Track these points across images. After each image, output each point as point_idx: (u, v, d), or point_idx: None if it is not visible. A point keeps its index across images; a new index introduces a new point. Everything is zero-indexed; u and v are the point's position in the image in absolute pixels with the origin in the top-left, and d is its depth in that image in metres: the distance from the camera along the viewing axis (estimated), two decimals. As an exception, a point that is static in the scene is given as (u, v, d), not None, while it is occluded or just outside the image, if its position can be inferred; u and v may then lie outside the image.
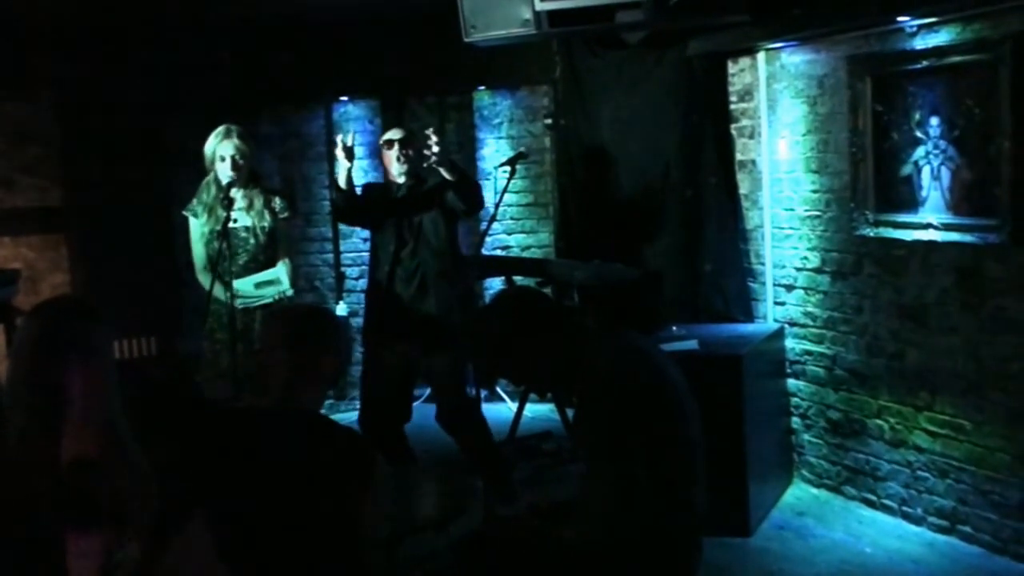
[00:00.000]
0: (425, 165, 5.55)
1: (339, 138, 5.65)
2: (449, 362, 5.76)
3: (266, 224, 5.61)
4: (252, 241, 5.58)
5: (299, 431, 2.97)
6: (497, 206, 6.12)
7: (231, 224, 5.42)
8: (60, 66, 7.04)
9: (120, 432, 2.80)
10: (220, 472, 2.91)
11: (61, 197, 7.31)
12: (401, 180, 5.76)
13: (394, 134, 5.83)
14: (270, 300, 5.50)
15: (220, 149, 5.56)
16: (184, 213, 5.72)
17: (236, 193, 5.50)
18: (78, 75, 7.07)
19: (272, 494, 2.83)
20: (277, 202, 5.69)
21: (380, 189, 5.96)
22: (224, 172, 5.52)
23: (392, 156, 5.74)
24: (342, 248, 8.16)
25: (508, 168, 6.04)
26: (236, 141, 5.56)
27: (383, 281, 5.73)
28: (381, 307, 5.79)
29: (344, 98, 8.08)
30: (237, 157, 5.53)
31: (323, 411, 7.09)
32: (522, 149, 6.80)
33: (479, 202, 5.79)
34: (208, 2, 6.51)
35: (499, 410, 7.47)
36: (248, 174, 5.62)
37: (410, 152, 5.72)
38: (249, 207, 5.60)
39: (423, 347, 5.75)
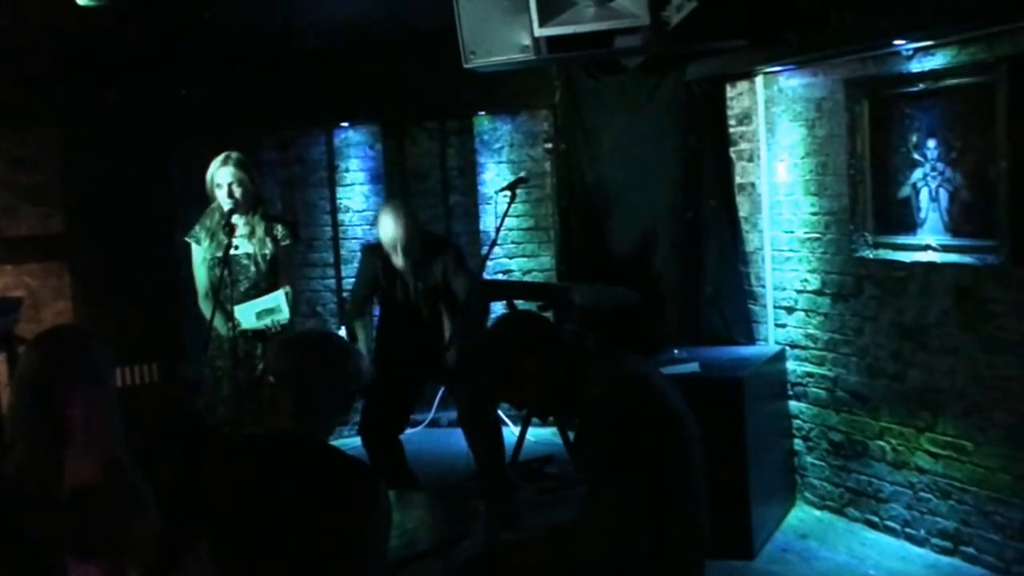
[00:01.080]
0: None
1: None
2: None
3: (267, 252, 5.62)
4: (253, 269, 5.59)
5: (303, 460, 2.94)
6: (498, 230, 6.14)
7: (232, 251, 5.43)
8: (61, 94, 7.07)
9: (122, 460, 2.81)
10: (223, 501, 2.88)
11: (63, 224, 7.33)
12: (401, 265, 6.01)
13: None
14: (265, 328, 5.49)
15: (217, 176, 5.58)
16: (187, 239, 5.74)
17: (238, 220, 5.51)
18: (79, 103, 7.10)
19: (275, 524, 2.82)
20: (279, 229, 5.69)
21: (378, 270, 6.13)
22: (222, 199, 5.54)
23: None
24: (344, 274, 8.17)
25: (508, 193, 6.06)
26: (232, 168, 5.57)
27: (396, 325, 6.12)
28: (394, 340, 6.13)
29: (345, 124, 8.11)
30: (234, 185, 5.54)
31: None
32: (522, 174, 6.85)
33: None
34: (210, 29, 6.54)
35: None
36: (250, 201, 5.63)
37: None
38: (251, 234, 5.61)
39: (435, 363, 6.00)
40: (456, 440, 6.33)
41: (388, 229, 5.94)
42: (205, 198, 5.71)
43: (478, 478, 5.99)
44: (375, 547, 2.87)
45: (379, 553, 2.91)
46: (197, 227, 5.69)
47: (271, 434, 3.05)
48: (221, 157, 5.63)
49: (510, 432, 7.40)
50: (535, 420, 7.13)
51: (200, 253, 5.66)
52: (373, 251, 6.20)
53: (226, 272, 5.34)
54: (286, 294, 5.57)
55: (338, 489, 2.87)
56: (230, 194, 5.51)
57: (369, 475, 2.96)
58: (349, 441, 7.73)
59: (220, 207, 5.60)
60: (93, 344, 2.94)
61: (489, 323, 6.52)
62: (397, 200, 6.80)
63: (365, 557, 2.83)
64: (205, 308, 5.62)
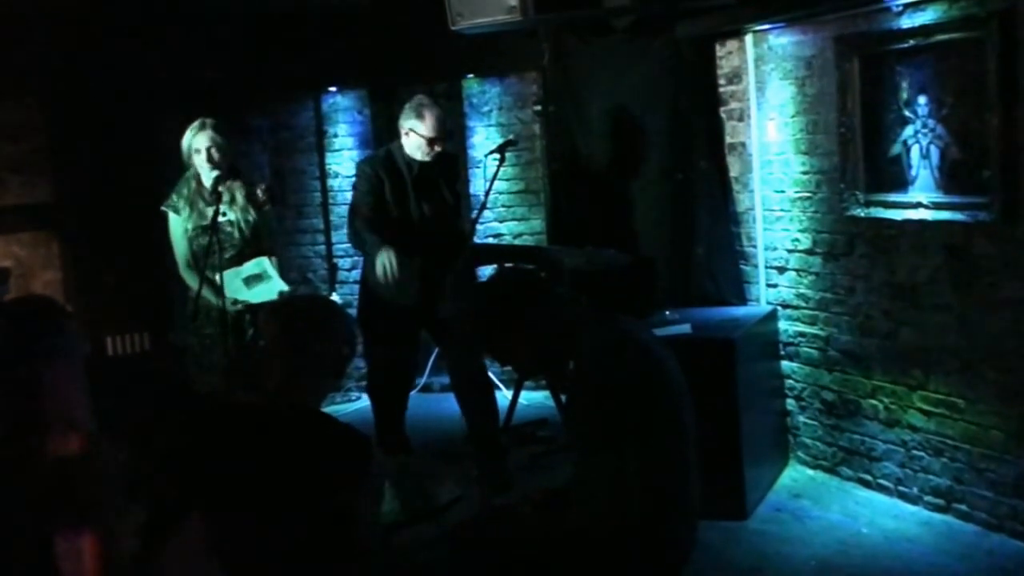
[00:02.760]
0: None
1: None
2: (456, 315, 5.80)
3: (250, 218, 5.61)
4: (236, 235, 5.58)
5: (294, 428, 2.93)
6: (487, 194, 6.11)
7: (209, 220, 5.40)
8: (48, 62, 7.01)
9: (93, 431, 2.80)
10: (215, 470, 2.88)
11: (51, 194, 7.28)
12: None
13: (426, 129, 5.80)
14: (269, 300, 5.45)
15: (195, 142, 5.56)
16: (163, 209, 5.69)
17: (221, 188, 5.49)
18: (66, 71, 7.04)
19: (267, 492, 2.81)
20: (260, 192, 5.67)
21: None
22: (201, 165, 5.53)
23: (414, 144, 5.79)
24: (334, 239, 8.14)
25: (497, 156, 6.02)
26: (211, 132, 5.55)
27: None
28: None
29: (333, 89, 8.06)
30: (213, 150, 5.52)
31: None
32: (511, 137, 6.80)
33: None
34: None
35: (494, 398, 7.46)
36: (227, 168, 5.60)
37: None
38: (232, 201, 5.59)
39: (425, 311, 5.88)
40: (450, 405, 6.32)
41: (429, 113, 5.80)
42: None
43: (471, 442, 5.98)
44: (366, 515, 2.87)
45: (370, 521, 2.90)
46: (174, 196, 5.66)
47: (262, 402, 3.03)
48: (196, 123, 5.61)
49: (503, 396, 7.40)
50: (528, 384, 7.14)
51: (180, 223, 5.63)
52: (375, 164, 5.94)
53: (215, 239, 5.32)
54: (271, 260, 5.56)
55: (330, 458, 2.86)
56: (209, 158, 5.50)
57: (361, 443, 2.93)
58: (341, 408, 7.77)
59: (196, 175, 5.59)
60: (59, 314, 2.93)
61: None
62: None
63: (356, 525, 2.83)
64: (188, 277, 5.62)
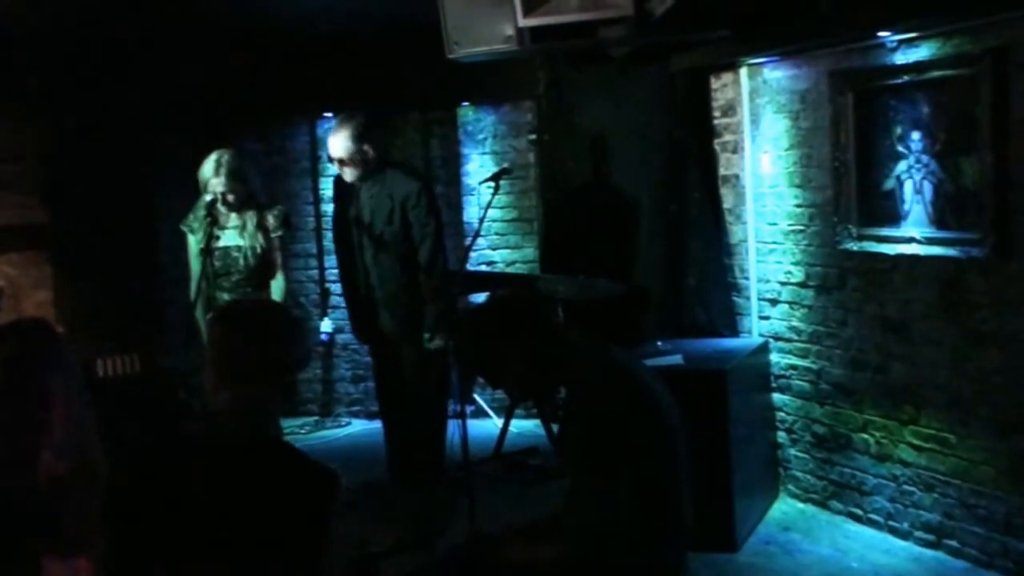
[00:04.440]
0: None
1: None
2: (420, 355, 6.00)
3: (258, 245, 5.67)
4: (242, 262, 5.65)
5: (252, 465, 2.61)
6: (481, 221, 6.11)
7: (222, 244, 5.49)
8: (44, 83, 7.01)
9: (95, 452, 2.78)
10: (163, 521, 2.55)
11: (44, 214, 7.27)
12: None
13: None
14: None
15: (212, 184, 5.64)
16: (182, 228, 5.79)
17: (226, 213, 5.54)
18: (62, 92, 7.04)
19: (225, 533, 2.53)
20: (271, 219, 5.74)
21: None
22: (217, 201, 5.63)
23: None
24: (326, 264, 8.14)
25: (492, 184, 6.03)
26: (225, 180, 5.63)
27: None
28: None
29: (328, 114, 8.07)
30: (228, 195, 5.61)
31: (309, 428, 7.15)
32: (506, 165, 6.81)
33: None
34: (193, 19, 6.50)
35: (485, 426, 7.45)
36: (242, 199, 5.67)
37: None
38: (242, 228, 5.66)
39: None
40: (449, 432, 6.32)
41: (332, 132, 6.01)
42: (187, 188, 5.73)
43: (462, 470, 5.96)
44: (330, 550, 2.58)
45: (333, 557, 2.60)
46: (190, 216, 5.77)
47: (211, 428, 2.69)
48: (213, 162, 5.67)
49: (493, 424, 7.39)
50: (519, 412, 7.12)
51: (195, 243, 5.73)
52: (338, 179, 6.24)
53: (209, 263, 5.39)
54: (280, 286, 5.66)
55: (292, 496, 2.56)
56: (224, 201, 5.58)
57: (324, 476, 2.62)
58: (332, 433, 7.75)
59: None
60: (57, 336, 2.92)
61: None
62: None
63: (320, 561, 2.56)
64: (195, 296, 5.71)
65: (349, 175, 5.94)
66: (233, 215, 5.59)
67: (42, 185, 7.25)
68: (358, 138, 5.90)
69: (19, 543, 2.65)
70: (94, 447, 2.81)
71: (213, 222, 5.46)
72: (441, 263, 6.01)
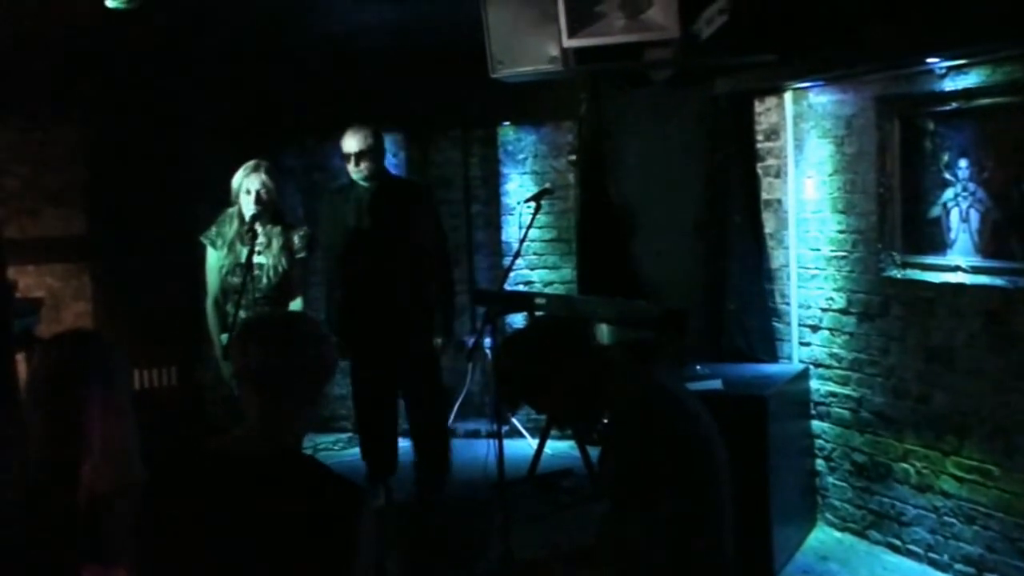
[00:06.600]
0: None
1: None
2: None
3: (281, 265, 5.65)
4: (264, 281, 5.61)
5: (279, 479, 2.57)
6: (522, 242, 6.09)
7: (242, 260, 5.47)
8: (85, 95, 7.07)
9: (135, 466, 2.77)
10: (193, 528, 2.52)
11: (85, 226, 7.33)
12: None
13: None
14: None
15: (247, 183, 5.61)
16: (202, 240, 5.74)
17: (258, 229, 5.53)
18: (103, 105, 7.10)
19: (249, 548, 2.49)
20: (296, 241, 5.71)
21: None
22: (248, 205, 5.57)
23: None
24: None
25: (533, 204, 6.02)
26: (263, 176, 5.62)
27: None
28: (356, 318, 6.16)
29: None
30: (263, 192, 5.59)
31: (343, 444, 7.13)
32: (547, 185, 6.80)
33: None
34: (233, 32, 6.53)
35: (519, 446, 7.42)
36: (272, 211, 5.65)
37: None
38: (268, 245, 5.63)
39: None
40: (474, 450, 6.29)
41: (351, 129, 6.04)
42: (225, 201, 5.71)
43: (496, 489, 5.94)
44: (361, 570, 2.52)
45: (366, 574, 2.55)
46: (213, 229, 5.71)
47: (237, 443, 2.64)
48: (251, 163, 5.66)
49: (528, 445, 7.36)
50: (553, 433, 7.09)
51: (216, 258, 5.68)
52: (334, 193, 6.33)
53: (249, 278, 5.38)
54: (298, 306, 5.66)
55: (319, 514, 2.50)
56: (258, 200, 5.55)
57: (353, 494, 2.57)
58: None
59: (240, 214, 5.62)
60: (108, 347, 2.91)
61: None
62: None
63: None
64: (212, 311, 5.68)
65: (365, 169, 5.99)
66: (260, 232, 5.56)
67: (83, 197, 7.31)
68: (378, 135, 6.07)
69: (60, 555, 2.64)
70: (135, 460, 2.80)
71: (254, 236, 5.45)
72: (448, 261, 6.31)
